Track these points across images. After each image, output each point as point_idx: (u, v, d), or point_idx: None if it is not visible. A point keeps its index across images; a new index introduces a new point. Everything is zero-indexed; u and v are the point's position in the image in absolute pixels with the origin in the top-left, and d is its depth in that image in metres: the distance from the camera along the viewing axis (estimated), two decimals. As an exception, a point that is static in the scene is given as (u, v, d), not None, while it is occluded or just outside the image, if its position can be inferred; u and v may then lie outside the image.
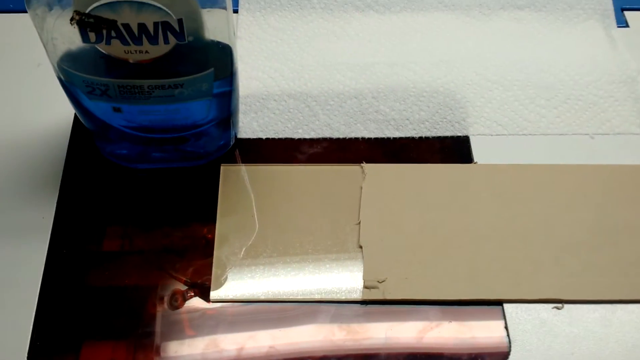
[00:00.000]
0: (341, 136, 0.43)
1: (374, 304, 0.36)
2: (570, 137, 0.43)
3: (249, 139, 0.43)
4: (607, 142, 0.43)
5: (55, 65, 0.33)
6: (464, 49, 0.47)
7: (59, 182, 0.40)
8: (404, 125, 0.43)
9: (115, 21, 0.30)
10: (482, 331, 0.36)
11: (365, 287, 0.36)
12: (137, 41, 0.31)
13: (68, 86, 0.35)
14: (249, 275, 0.37)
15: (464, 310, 0.36)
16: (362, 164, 0.41)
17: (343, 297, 0.36)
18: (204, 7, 0.31)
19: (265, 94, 0.44)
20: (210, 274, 0.37)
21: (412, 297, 0.36)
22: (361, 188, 0.40)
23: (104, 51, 0.32)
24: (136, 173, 0.41)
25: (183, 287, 0.37)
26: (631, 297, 0.36)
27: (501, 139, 0.43)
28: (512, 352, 0.35)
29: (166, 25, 0.30)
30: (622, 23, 0.49)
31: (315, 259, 0.38)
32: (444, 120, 0.43)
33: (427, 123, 0.43)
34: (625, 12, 0.50)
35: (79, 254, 0.38)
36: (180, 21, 0.31)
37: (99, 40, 0.31)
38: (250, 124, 0.43)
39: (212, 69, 0.34)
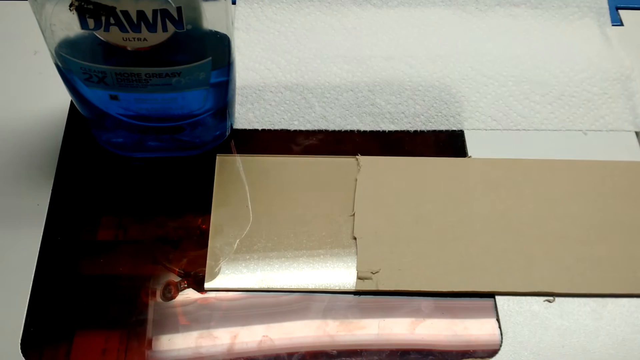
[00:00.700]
0: (337, 128, 0.43)
1: (367, 295, 0.37)
2: (563, 133, 0.43)
3: (244, 130, 0.43)
4: (600, 138, 0.43)
5: (53, 51, 0.33)
6: (460, 44, 0.47)
7: (55, 169, 0.40)
8: (399, 118, 0.43)
9: (114, 8, 0.30)
10: (474, 323, 0.36)
11: (358, 277, 0.37)
12: (136, 28, 0.31)
13: (65, 73, 0.35)
14: (243, 265, 0.37)
15: (456, 302, 0.36)
16: (357, 157, 0.41)
17: (337, 288, 0.37)
18: (202, -2, 0.31)
19: (261, 85, 0.44)
20: (204, 265, 0.37)
21: (405, 288, 0.36)
22: (356, 180, 0.40)
23: (102, 38, 0.31)
24: (131, 162, 0.41)
25: (177, 278, 0.37)
26: (622, 291, 0.37)
27: (495, 134, 0.43)
28: (503, 345, 0.35)
29: (165, 13, 0.31)
30: (617, 21, 0.50)
31: (309, 250, 0.38)
32: (439, 114, 0.43)
33: (422, 117, 0.43)
34: (620, 11, 0.51)
35: (73, 242, 0.38)
36: (179, 9, 0.31)
37: (97, 27, 0.31)
38: (247, 115, 0.43)
39: (209, 58, 0.34)
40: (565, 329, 0.36)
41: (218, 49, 0.35)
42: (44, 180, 0.40)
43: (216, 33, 0.34)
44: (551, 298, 0.37)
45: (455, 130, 0.43)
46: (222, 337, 0.35)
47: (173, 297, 0.36)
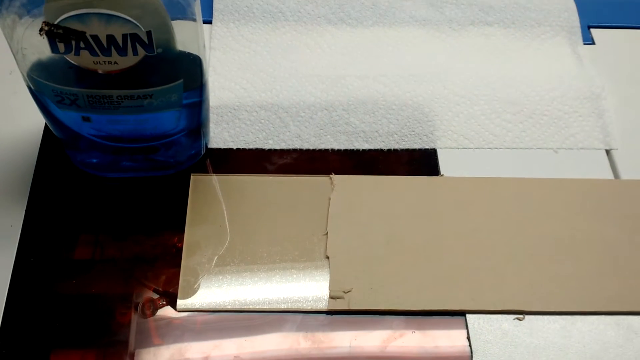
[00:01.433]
0: (311, 147, 0.43)
1: (339, 314, 0.37)
2: (535, 151, 0.44)
3: (220, 149, 0.43)
4: (570, 156, 0.44)
5: (25, 74, 0.33)
6: (434, 63, 0.48)
7: (29, 189, 0.40)
8: (373, 137, 0.44)
9: (84, 32, 0.30)
10: (445, 341, 0.36)
11: (331, 297, 0.37)
12: (106, 52, 0.31)
13: (38, 95, 0.35)
14: (217, 284, 0.37)
15: (428, 320, 0.37)
16: (331, 175, 0.42)
17: (309, 307, 0.37)
18: (173, 19, 0.31)
19: (237, 104, 0.45)
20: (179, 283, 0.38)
21: (377, 307, 0.37)
22: (329, 199, 0.41)
23: (73, 62, 0.32)
24: (106, 182, 0.41)
25: (153, 296, 0.37)
26: (590, 309, 0.37)
27: (468, 152, 0.44)
28: (473, 362, 0.36)
29: (135, 37, 0.31)
30: (589, 40, 0.51)
31: (282, 269, 0.38)
32: (412, 133, 0.44)
33: (395, 136, 0.44)
34: (592, 30, 0.51)
35: (48, 262, 0.38)
36: (149, 33, 0.31)
37: (68, 50, 0.31)
38: (222, 134, 0.43)
39: (181, 80, 0.34)
40: (534, 346, 0.36)
41: (190, 70, 0.35)
42: (18, 200, 0.40)
43: (188, 54, 0.34)
44: (521, 316, 0.37)
45: (428, 149, 0.44)
46: (194, 356, 0.35)
47: (149, 315, 0.36)
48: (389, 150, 0.44)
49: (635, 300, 0.37)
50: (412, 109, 0.45)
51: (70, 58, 0.32)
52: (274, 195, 0.41)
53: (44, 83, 0.33)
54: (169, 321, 0.36)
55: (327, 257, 0.38)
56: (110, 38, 0.31)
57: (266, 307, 0.37)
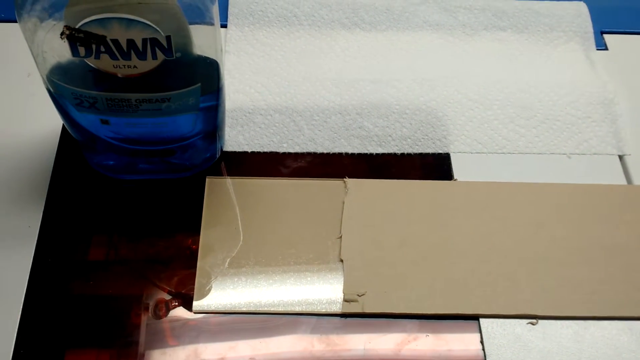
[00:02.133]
0: (325, 151, 0.44)
1: (353, 317, 0.37)
2: (548, 157, 0.44)
3: (234, 152, 0.43)
4: (583, 162, 0.44)
5: (45, 77, 0.34)
6: (447, 68, 0.48)
7: (46, 191, 0.41)
8: (386, 141, 0.44)
9: (105, 37, 0.31)
10: (459, 345, 0.36)
11: (345, 300, 0.37)
12: (126, 56, 0.32)
13: (57, 98, 0.35)
14: (231, 286, 0.38)
15: (441, 324, 0.37)
16: (344, 179, 0.42)
17: (323, 310, 0.37)
18: (192, 24, 0.32)
19: (251, 108, 0.45)
20: (194, 285, 0.38)
21: (391, 310, 0.37)
22: (343, 202, 0.41)
23: (93, 65, 0.32)
24: (123, 184, 0.41)
25: (167, 297, 0.38)
26: (603, 314, 0.37)
27: (481, 157, 0.44)
28: (486, 366, 0.36)
29: (154, 42, 0.31)
30: (602, 46, 0.51)
31: (296, 272, 0.38)
32: (426, 137, 0.44)
33: (409, 140, 0.44)
34: (605, 35, 0.52)
35: (64, 263, 0.38)
36: (168, 38, 0.31)
37: (88, 54, 0.32)
38: (237, 138, 0.44)
39: (199, 84, 0.35)
40: (547, 351, 0.36)
41: (207, 74, 0.35)
42: (36, 202, 0.40)
43: (205, 59, 0.34)
44: (534, 320, 0.37)
45: (441, 153, 0.44)
46: (210, 357, 0.35)
47: (163, 316, 0.37)
48: (402, 154, 0.44)
49: (649, 305, 0.38)
50: (426, 114, 0.45)
51: (90, 61, 0.32)
52: (287, 198, 0.41)
53: (64, 86, 0.34)
54: (184, 322, 0.37)
55: (341, 260, 0.39)
56: (130, 42, 0.31)
57: (280, 309, 0.37)
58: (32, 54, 0.33)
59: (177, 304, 0.37)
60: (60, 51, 0.32)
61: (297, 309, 0.37)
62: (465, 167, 0.43)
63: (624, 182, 0.43)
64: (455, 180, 0.43)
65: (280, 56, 0.48)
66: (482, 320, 0.37)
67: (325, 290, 0.38)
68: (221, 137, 0.42)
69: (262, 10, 0.50)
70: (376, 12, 0.51)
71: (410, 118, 0.45)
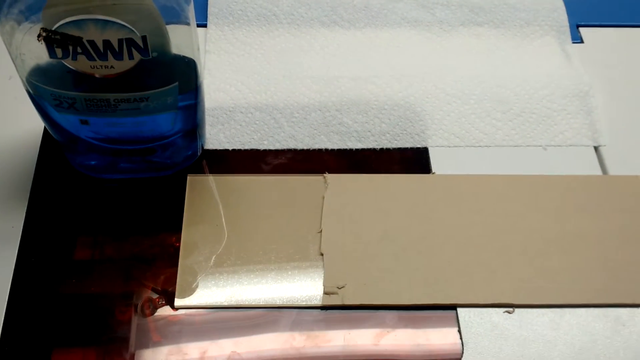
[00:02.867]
0: (305, 147, 0.44)
1: (333, 310, 0.38)
2: (524, 149, 0.45)
3: (215, 150, 0.44)
4: (559, 153, 0.45)
5: (24, 79, 0.34)
6: (425, 63, 0.49)
7: (29, 191, 0.41)
8: (365, 137, 0.45)
9: (81, 38, 0.31)
10: (437, 335, 0.37)
11: (325, 293, 0.38)
12: (103, 57, 0.32)
13: (36, 99, 0.36)
14: (213, 282, 0.38)
15: (420, 315, 0.38)
16: (324, 175, 0.43)
17: (303, 303, 0.38)
18: (168, 23, 0.32)
19: (232, 106, 0.46)
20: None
21: (370, 302, 0.38)
22: (323, 197, 0.42)
23: (70, 66, 0.33)
24: (105, 183, 0.42)
25: (152, 295, 0.38)
26: (579, 302, 0.38)
27: (459, 150, 0.45)
28: (464, 355, 0.36)
29: (130, 42, 0.32)
30: (577, 39, 0.52)
31: (277, 267, 0.39)
32: (404, 132, 0.45)
33: (388, 135, 0.45)
34: (581, 29, 0.52)
35: (49, 263, 0.39)
36: (144, 38, 0.32)
37: (65, 56, 0.32)
38: (217, 135, 0.44)
39: (176, 83, 0.35)
40: (524, 339, 0.37)
41: (185, 73, 0.36)
42: (19, 202, 0.41)
43: (183, 58, 0.35)
44: (511, 309, 0.38)
45: (419, 148, 0.45)
46: (192, 353, 0.36)
47: (149, 314, 0.37)
48: (381, 149, 0.45)
49: (623, 292, 0.38)
50: (404, 109, 0.46)
51: (68, 63, 0.32)
52: (269, 194, 0.42)
53: (43, 87, 0.34)
54: (168, 319, 0.37)
55: (322, 254, 0.39)
56: (107, 43, 0.32)
57: (262, 303, 0.38)
58: (11, 56, 0.33)
59: (163, 302, 0.38)
60: (38, 53, 0.32)
61: (279, 303, 0.38)
62: (443, 160, 0.44)
63: (599, 172, 0.44)
64: (434, 173, 0.43)
65: (260, 54, 0.49)
66: (459, 310, 0.38)
67: (305, 284, 0.38)
68: (202, 136, 0.42)
69: (242, 10, 0.51)
70: (355, 10, 0.51)
71: (389, 113, 0.46)
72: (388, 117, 0.45)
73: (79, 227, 0.40)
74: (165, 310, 0.37)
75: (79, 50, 0.32)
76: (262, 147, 0.44)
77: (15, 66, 0.34)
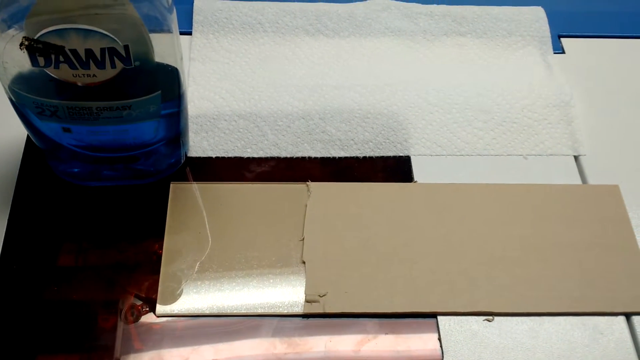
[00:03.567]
0: (288, 155, 0.45)
1: (314, 317, 0.38)
2: (505, 158, 0.45)
3: (199, 158, 0.44)
4: (540, 162, 0.45)
5: (7, 87, 0.34)
6: (408, 73, 0.49)
7: (11, 199, 0.41)
8: (348, 145, 0.45)
9: (63, 47, 0.31)
10: (417, 343, 0.37)
11: (306, 301, 0.38)
12: (85, 66, 0.32)
13: (19, 107, 0.36)
14: (195, 290, 0.38)
15: (400, 322, 0.38)
16: (307, 183, 0.43)
17: (285, 311, 0.38)
18: (150, 32, 0.32)
19: (216, 114, 0.46)
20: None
21: (351, 310, 0.38)
22: (306, 206, 0.42)
23: (53, 75, 0.33)
24: (88, 191, 0.42)
25: (136, 302, 0.38)
26: (558, 310, 0.38)
27: (440, 159, 0.45)
28: (444, 363, 0.37)
29: (112, 51, 0.32)
30: (559, 49, 0.52)
31: (259, 274, 0.39)
32: (387, 141, 0.45)
33: (370, 144, 0.45)
34: (562, 39, 0.53)
35: (32, 270, 0.39)
36: (126, 47, 0.32)
37: (47, 64, 0.32)
38: (201, 143, 0.45)
39: (159, 92, 0.36)
40: (503, 347, 0.37)
41: (168, 81, 0.36)
42: (1, 210, 0.41)
43: (166, 66, 0.35)
44: (490, 317, 0.38)
45: (402, 156, 0.45)
46: (173, 361, 0.36)
47: (131, 321, 0.37)
48: (364, 157, 0.45)
49: (601, 301, 0.39)
50: (387, 118, 0.46)
51: (50, 71, 0.33)
52: (252, 202, 0.42)
53: (25, 95, 0.34)
54: (150, 326, 0.37)
55: (303, 262, 0.40)
56: (89, 52, 0.32)
57: (243, 311, 0.38)
58: (-7, 64, 0.33)
59: (146, 309, 0.38)
60: (21, 61, 0.32)
61: (260, 311, 0.38)
62: (425, 169, 0.44)
63: (579, 182, 0.45)
64: (416, 182, 0.44)
65: (245, 63, 0.49)
66: (440, 318, 0.38)
67: (287, 292, 0.38)
68: (185, 143, 0.42)
69: (227, 18, 0.51)
70: (339, 19, 0.52)
71: (372, 122, 0.46)
72: (371, 126, 0.46)
73: (62, 234, 0.40)
74: (147, 318, 0.38)
75: (61, 59, 0.32)
76: (245, 155, 0.44)
77: (-2, 74, 0.34)
